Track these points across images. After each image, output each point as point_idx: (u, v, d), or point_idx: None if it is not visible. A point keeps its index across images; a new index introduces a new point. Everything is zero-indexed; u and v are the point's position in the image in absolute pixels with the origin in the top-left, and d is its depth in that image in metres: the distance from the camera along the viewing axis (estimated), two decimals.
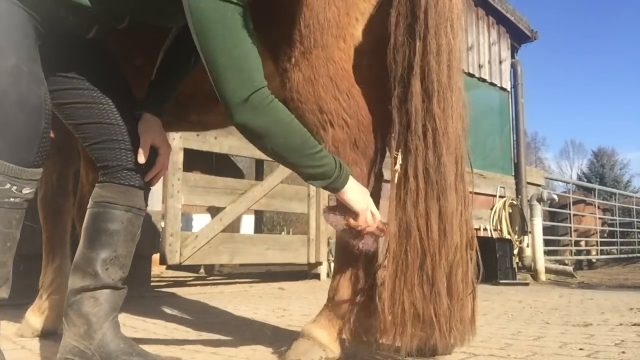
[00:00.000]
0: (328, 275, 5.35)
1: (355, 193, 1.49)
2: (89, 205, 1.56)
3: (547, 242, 8.12)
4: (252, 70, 1.37)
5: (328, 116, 1.67)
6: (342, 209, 1.50)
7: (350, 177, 1.50)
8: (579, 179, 33.90)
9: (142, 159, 1.54)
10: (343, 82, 1.68)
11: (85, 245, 1.51)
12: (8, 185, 1.31)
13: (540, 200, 7.42)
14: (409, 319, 1.52)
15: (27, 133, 1.34)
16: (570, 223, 9.94)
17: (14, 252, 1.37)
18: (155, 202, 4.09)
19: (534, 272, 7.02)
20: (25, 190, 1.35)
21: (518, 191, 8.01)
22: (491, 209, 7.39)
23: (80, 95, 1.53)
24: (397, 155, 1.60)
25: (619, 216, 11.98)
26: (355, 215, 1.49)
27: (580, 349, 1.92)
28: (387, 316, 1.52)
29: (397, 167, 1.59)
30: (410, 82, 1.59)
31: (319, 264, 5.48)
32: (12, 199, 1.33)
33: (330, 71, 1.66)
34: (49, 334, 2.21)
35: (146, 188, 1.60)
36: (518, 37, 8.60)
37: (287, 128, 1.40)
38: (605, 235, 11.76)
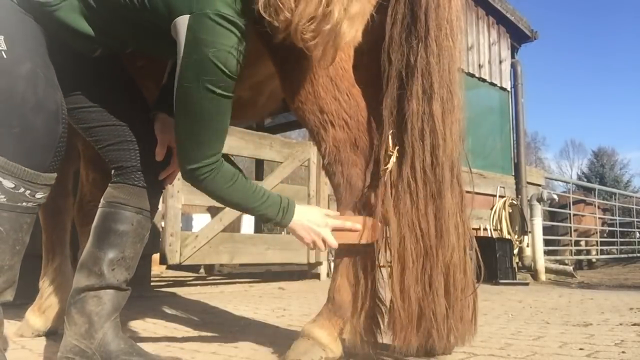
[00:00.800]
0: (328, 275, 5.35)
1: (300, 228, 1.62)
2: (100, 205, 1.56)
3: (547, 242, 8.12)
4: (207, 149, 1.45)
5: (328, 116, 1.67)
6: None
7: (296, 215, 1.60)
8: (579, 178, 33.89)
9: (160, 156, 1.56)
10: (343, 82, 1.68)
11: (94, 244, 1.51)
12: (22, 190, 1.31)
13: (540, 200, 7.42)
14: (415, 319, 1.53)
15: (45, 138, 1.34)
16: (570, 223, 9.93)
17: (22, 256, 1.37)
18: None
19: (534, 272, 7.01)
20: (39, 195, 1.36)
21: (518, 191, 8.00)
22: (491, 209, 7.39)
23: (93, 99, 1.54)
24: (392, 154, 1.60)
25: (619, 216, 11.97)
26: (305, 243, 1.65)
27: (580, 349, 1.92)
28: (401, 316, 1.53)
29: (389, 166, 1.59)
30: (409, 83, 1.59)
31: (319, 263, 5.47)
32: (24, 204, 1.33)
33: (330, 71, 1.66)
34: (49, 334, 2.21)
35: (159, 190, 1.62)
36: (518, 37, 8.59)
37: (224, 194, 1.52)
38: (605, 235, 11.76)
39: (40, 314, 2.25)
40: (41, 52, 1.39)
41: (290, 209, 1.60)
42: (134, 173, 1.53)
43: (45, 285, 2.31)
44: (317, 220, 1.62)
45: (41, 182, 1.34)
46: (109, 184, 1.57)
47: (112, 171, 1.56)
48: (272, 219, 1.59)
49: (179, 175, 3.80)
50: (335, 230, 1.62)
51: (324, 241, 1.62)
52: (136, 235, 1.54)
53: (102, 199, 1.56)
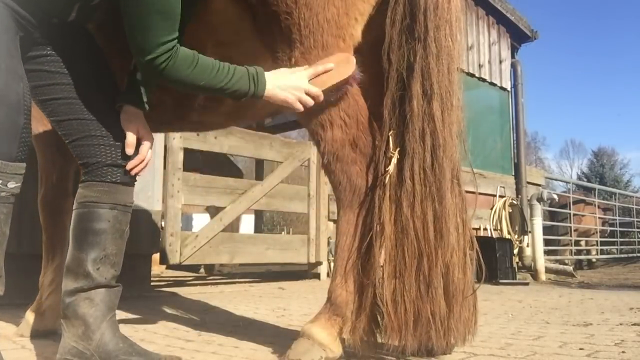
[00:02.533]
0: (328, 275, 5.35)
1: (278, 92, 1.58)
2: (74, 207, 1.55)
3: (547, 242, 8.12)
4: (159, 36, 1.42)
5: (327, 116, 1.67)
6: None
7: (269, 80, 1.57)
8: (579, 178, 33.87)
9: (130, 150, 1.54)
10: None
11: (74, 246, 1.51)
12: None
13: (540, 199, 7.42)
14: (411, 319, 1.53)
15: (8, 129, 1.35)
16: (570, 223, 9.93)
17: (4, 248, 1.38)
18: (155, 202, 4.09)
19: (534, 272, 7.01)
20: (11, 185, 1.36)
21: (518, 191, 8.00)
22: (491, 209, 7.38)
23: (62, 90, 1.53)
24: (393, 155, 1.60)
25: (619, 216, 11.98)
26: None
27: (581, 349, 1.92)
28: (393, 317, 1.53)
29: (391, 168, 1.59)
30: (409, 84, 1.59)
31: (319, 263, 5.48)
32: None
33: None
34: (49, 334, 2.21)
35: (130, 183, 1.60)
36: (518, 37, 8.59)
37: (189, 80, 1.50)
38: (606, 235, 11.76)
39: (40, 313, 2.25)
40: (5, 39, 1.38)
41: (260, 76, 1.56)
42: (100, 169, 1.52)
43: (45, 285, 2.31)
44: (290, 79, 1.59)
45: (11, 172, 1.36)
46: (79, 184, 1.56)
47: (81, 169, 1.55)
48: (245, 92, 1.55)
49: (180, 175, 3.82)
50: (311, 79, 1.60)
51: (308, 94, 1.58)
52: (115, 231, 1.54)
53: (74, 201, 1.56)
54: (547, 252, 7.90)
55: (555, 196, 8.78)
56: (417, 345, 1.57)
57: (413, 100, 1.58)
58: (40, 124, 2.41)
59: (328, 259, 5.47)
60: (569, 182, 12.79)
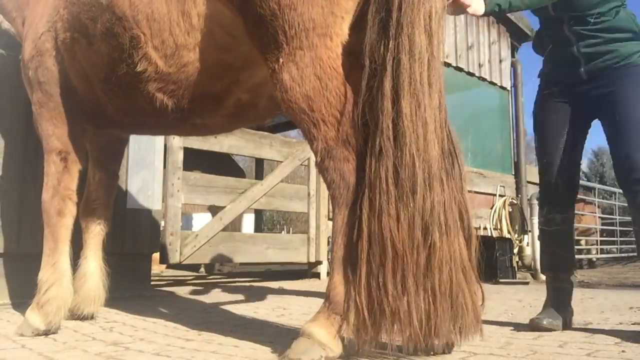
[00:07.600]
0: (328, 274, 5.35)
1: None
2: None
3: None
4: None
5: (318, 114, 1.68)
6: None
7: None
8: None
9: None
10: (332, 81, 1.68)
11: None
12: None
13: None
14: (384, 317, 1.53)
15: None
16: None
17: None
18: (155, 201, 4.09)
19: (534, 271, 7.01)
20: None
21: (518, 190, 8.00)
22: (491, 208, 7.38)
23: None
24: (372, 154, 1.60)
25: (619, 215, 11.97)
26: None
27: (580, 348, 1.92)
28: (365, 314, 1.54)
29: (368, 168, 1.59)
30: (382, 82, 1.59)
31: (319, 263, 5.48)
32: None
33: (318, 71, 1.67)
34: (49, 334, 2.21)
35: None
36: (518, 36, 8.58)
37: None
38: (605, 234, 11.75)
39: (39, 309, 2.25)
40: None
41: None
42: None
43: (43, 281, 2.32)
44: None
45: None
46: None
47: None
48: None
49: (180, 174, 3.82)
50: None
51: None
52: None
53: None
54: None
55: None
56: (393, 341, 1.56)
57: (384, 99, 1.57)
58: (50, 123, 2.42)
59: (328, 258, 5.47)
60: None
